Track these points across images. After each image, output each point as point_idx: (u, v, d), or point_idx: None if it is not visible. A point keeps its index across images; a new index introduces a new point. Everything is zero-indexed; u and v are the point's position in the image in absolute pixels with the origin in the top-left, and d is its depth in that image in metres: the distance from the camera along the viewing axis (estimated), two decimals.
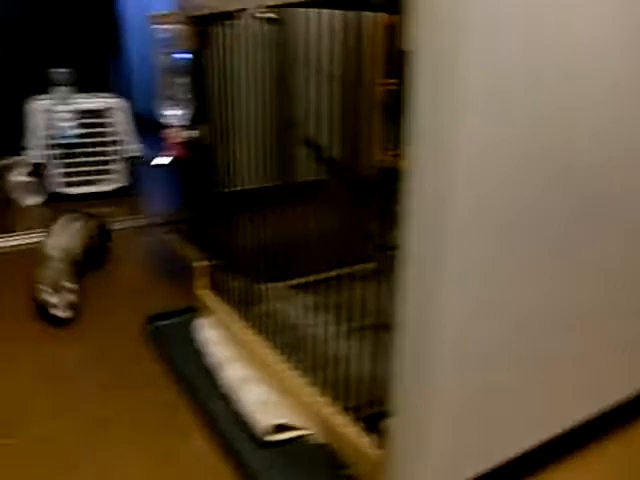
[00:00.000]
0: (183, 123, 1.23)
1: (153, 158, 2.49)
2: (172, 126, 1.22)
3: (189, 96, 1.23)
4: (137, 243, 1.87)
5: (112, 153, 2.25)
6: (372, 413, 0.79)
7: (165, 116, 1.22)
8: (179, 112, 1.21)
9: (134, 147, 2.28)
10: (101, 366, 1.12)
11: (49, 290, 1.21)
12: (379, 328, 0.78)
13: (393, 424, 0.69)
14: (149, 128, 2.33)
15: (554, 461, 0.85)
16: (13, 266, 1.67)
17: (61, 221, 1.45)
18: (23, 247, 1.80)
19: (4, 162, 2.30)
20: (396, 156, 1.01)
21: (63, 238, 1.39)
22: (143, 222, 2.01)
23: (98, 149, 2.23)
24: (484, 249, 0.63)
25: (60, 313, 1.22)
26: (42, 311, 1.24)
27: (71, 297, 1.24)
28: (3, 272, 1.62)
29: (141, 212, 2.15)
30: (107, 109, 2.20)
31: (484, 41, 0.54)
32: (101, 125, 2.21)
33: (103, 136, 2.22)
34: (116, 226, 1.99)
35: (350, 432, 0.80)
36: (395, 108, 0.81)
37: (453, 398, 0.67)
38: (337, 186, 1.15)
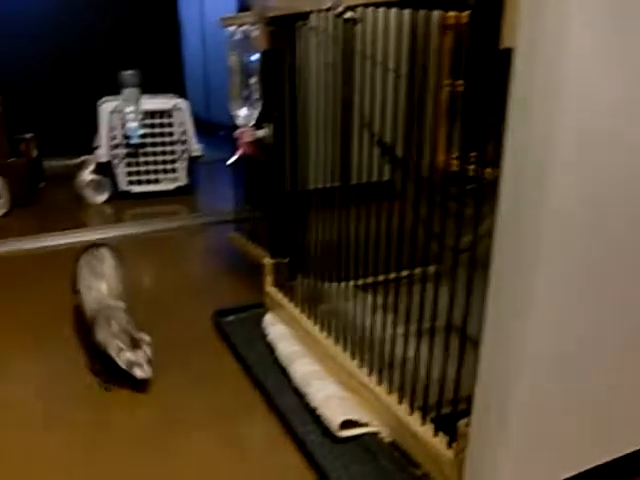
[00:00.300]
0: (253, 123, 1.26)
1: (213, 158, 2.56)
2: (243, 126, 1.25)
3: (259, 96, 1.26)
4: (200, 241, 1.92)
5: (175, 153, 2.32)
6: (443, 413, 0.79)
7: (237, 116, 1.25)
8: (250, 112, 1.24)
9: (196, 147, 2.34)
10: (171, 356, 1.16)
11: (126, 347, 1.00)
12: (450, 330, 0.78)
13: (471, 425, 0.69)
14: (204, 129, 2.40)
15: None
16: None
17: (89, 262, 1.18)
18: (85, 243, 1.88)
19: (75, 161, 2.41)
20: (460, 159, 1.00)
21: (113, 280, 1.16)
22: (206, 220, 2.07)
23: (162, 149, 2.30)
24: (581, 251, 0.62)
25: (145, 372, 1.01)
26: (117, 372, 1.02)
27: (149, 350, 1.03)
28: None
29: (203, 210, 2.21)
30: (172, 110, 2.26)
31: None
32: (166, 125, 2.28)
33: (167, 136, 2.30)
34: (179, 224, 2.05)
35: (421, 431, 0.80)
36: (462, 110, 0.81)
37: (535, 404, 0.66)
38: (406, 187, 1.15)
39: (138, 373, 1.00)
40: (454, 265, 0.78)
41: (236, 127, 1.28)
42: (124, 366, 1.00)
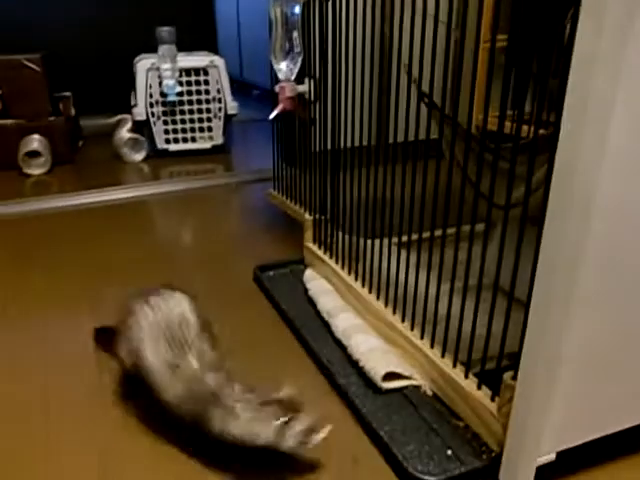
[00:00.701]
0: (294, 77, 1.24)
1: (247, 117, 2.55)
2: (284, 80, 1.24)
3: (301, 50, 1.24)
4: (237, 199, 1.94)
5: (212, 111, 2.32)
6: (487, 369, 0.79)
7: (278, 70, 1.23)
8: (291, 66, 1.23)
9: (232, 105, 2.34)
10: (215, 310, 1.18)
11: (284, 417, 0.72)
12: (494, 288, 0.77)
13: (518, 379, 0.69)
14: (238, 89, 2.39)
15: None
16: (120, 215, 1.78)
17: (163, 327, 0.80)
18: (125, 200, 1.91)
19: (113, 119, 2.43)
20: (506, 118, 0.97)
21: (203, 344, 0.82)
22: (242, 178, 2.08)
23: (198, 107, 2.31)
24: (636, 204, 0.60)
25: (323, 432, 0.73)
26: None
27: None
28: (111, 220, 1.73)
29: (239, 169, 2.22)
30: (208, 67, 2.25)
31: None
32: (202, 83, 2.28)
33: (203, 94, 2.29)
34: (216, 182, 2.07)
35: (464, 385, 0.81)
36: (506, 67, 0.78)
37: (580, 363, 0.66)
38: (447, 143, 1.13)
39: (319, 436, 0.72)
40: (504, 221, 0.77)
41: (275, 83, 1.27)
42: (292, 444, 0.71)
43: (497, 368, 0.75)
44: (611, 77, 0.55)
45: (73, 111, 2.44)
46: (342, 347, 0.98)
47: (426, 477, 0.71)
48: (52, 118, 2.21)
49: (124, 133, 2.32)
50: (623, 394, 0.73)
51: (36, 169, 2.15)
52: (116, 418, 0.87)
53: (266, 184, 1.79)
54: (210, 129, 2.35)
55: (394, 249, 1.03)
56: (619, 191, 0.60)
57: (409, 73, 0.95)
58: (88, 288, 1.28)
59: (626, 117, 0.57)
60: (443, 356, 0.86)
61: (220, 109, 2.32)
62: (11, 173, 2.12)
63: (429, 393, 0.88)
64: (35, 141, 2.13)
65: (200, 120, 2.33)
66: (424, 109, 0.97)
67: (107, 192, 1.94)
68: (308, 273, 1.22)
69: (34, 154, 2.13)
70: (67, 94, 2.37)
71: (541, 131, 0.87)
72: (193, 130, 2.33)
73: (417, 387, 0.89)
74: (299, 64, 1.26)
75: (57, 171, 2.19)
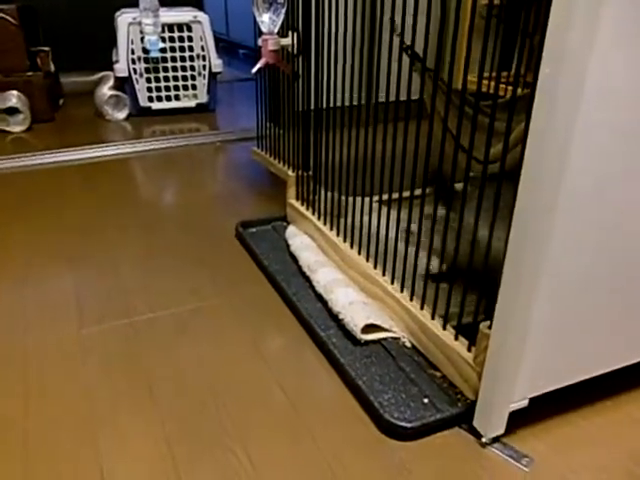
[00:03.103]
0: (277, 30, 1.21)
1: (232, 77, 2.50)
2: (267, 33, 1.21)
3: (284, 1, 1.21)
4: (221, 158, 1.91)
5: (196, 68, 2.27)
6: (463, 322, 0.80)
7: (261, 22, 1.20)
8: (274, 18, 1.20)
9: (216, 63, 2.29)
10: (198, 266, 1.18)
11: None
12: (472, 244, 0.78)
13: (492, 331, 0.70)
14: (224, 49, 2.34)
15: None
16: (102, 173, 1.75)
17: None
18: (108, 158, 1.88)
19: (94, 77, 2.37)
20: (485, 79, 0.95)
21: None
22: (226, 137, 2.05)
23: (182, 64, 2.25)
24: (599, 163, 0.61)
25: None
26: None
27: None
28: (92, 179, 1.70)
29: (223, 128, 2.19)
30: (192, 23, 2.20)
31: None
32: (185, 39, 2.22)
33: (187, 50, 2.24)
34: (200, 141, 2.04)
35: (441, 335, 0.82)
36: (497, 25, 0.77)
37: (550, 314, 0.67)
38: (429, 97, 1.12)
39: None
40: (483, 174, 0.76)
41: (258, 37, 1.24)
42: None
43: (474, 321, 0.76)
44: (588, 27, 0.54)
45: (52, 67, 2.37)
46: (323, 301, 0.99)
47: (402, 423, 0.73)
48: (30, 73, 2.15)
49: (106, 90, 2.27)
50: (593, 343, 0.75)
51: (15, 126, 2.10)
52: (93, 365, 0.87)
53: (250, 143, 1.77)
54: (194, 87, 2.30)
55: (375, 206, 1.03)
56: (593, 146, 0.60)
57: (392, 25, 0.93)
58: (67, 245, 1.27)
59: (600, 71, 0.56)
60: (422, 308, 0.87)
61: (204, 67, 2.28)
62: None
63: (408, 345, 0.89)
64: (13, 97, 2.08)
65: (184, 78, 2.28)
66: (406, 70, 0.96)
67: (88, 150, 1.91)
68: (290, 229, 1.22)
69: (12, 111, 2.08)
70: (45, 49, 2.30)
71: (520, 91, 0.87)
72: (177, 88, 2.29)
73: (396, 339, 0.90)
74: (282, 16, 1.22)
75: (37, 129, 2.14)
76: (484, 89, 0.88)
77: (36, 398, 0.82)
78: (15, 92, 2.09)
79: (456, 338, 0.80)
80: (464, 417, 0.75)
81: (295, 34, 1.23)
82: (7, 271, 1.17)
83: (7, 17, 2.00)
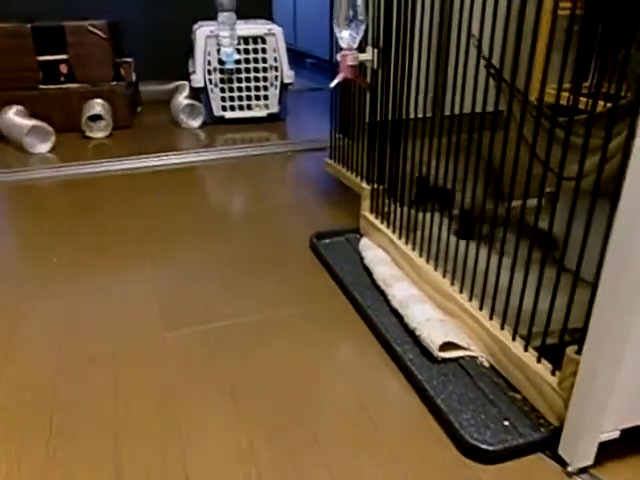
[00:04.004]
0: (356, 45, 1.23)
1: (300, 86, 2.54)
2: (346, 48, 1.23)
3: (364, 18, 1.22)
4: (292, 167, 1.95)
5: (268, 79, 2.33)
6: (547, 343, 0.78)
7: (341, 38, 1.22)
8: (354, 34, 1.22)
9: (288, 74, 2.33)
10: (271, 274, 1.21)
11: None
12: (558, 263, 0.76)
13: (582, 355, 0.68)
14: (292, 58, 2.39)
15: None
16: (177, 180, 1.82)
17: None
18: (183, 165, 1.95)
19: (171, 86, 2.47)
20: (563, 91, 0.93)
21: None
22: (297, 147, 2.08)
23: (255, 75, 2.31)
24: None
25: None
26: None
27: None
28: (168, 185, 1.77)
29: (294, 137, 2.22)
30: (266, 36, 2.25)
31: None
32: (259, 51, 2.28)
33: (260, 62, 2.30)
34: (271, 150, 2.08)
35: (523, 357, 0.81)
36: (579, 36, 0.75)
37: None
38: (511, 116, 1.10)
39: None
40: (575, 194, 0.75)
41: (336, 52, 1.26)
42: None
43: (559, 343, 0.74)
44: None
45: (134, 77, 2.49)
46: (398, 316, 0.99)
47: (484, 446, 0.72)
48: (114, 83, 2.26)
49: (182, 99, 2.35)
50: None
51: (98, 132, 2.21)
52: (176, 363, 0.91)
53: (320, 153, 1.79)
54: (266, 97, 2.36)
55: (448, 222, 1.02)
56: None
57: (479, 47, 0.93)
58: (148, 247, 1.33)
59: None
60: (502, 328, 0.86)
61: (276, 77, 2.33)
62: (74, 135, 2.19)
63: (486, 364, 0.88)
64: (98, 105, 2.19)
65: (257, 88, 2.34)
66: (482, 81, 0.95)
67: (164, 157, 1.99)
68: (364, 242, 1.23)
69: (96, 118, 2.19)
70: (128, 60, 2.42)
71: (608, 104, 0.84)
72: (249, 98, 2.35)
73: (474, 358, 0.89)
74: (362, 33, 1.24)
75: (117, 135, 2.25)
76: (563, 102, 0.86)
77: (123, 399, 0.86)
78: (100, 100, 2.20)
79: (539, 360, 0.79)
80: (548, 443, 0.73)
81: (375, 49, 1.24)
82: (99, 269, 1.23)
83: (98, 32, 2.11)
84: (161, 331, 1.01)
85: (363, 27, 1.24)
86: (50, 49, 2.17)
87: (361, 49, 1.29)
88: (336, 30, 1.26)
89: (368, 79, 1.29)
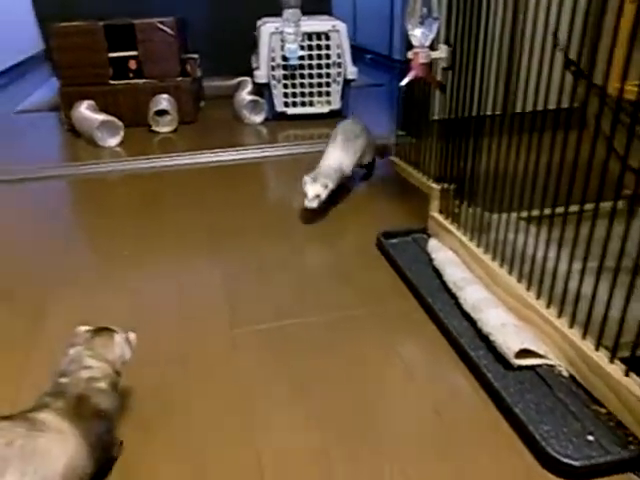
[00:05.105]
0: (429, 43, 1.20)
1: (360, 82, 2.51)
2: (418, 46, 1.21)
3: (438, 15, 1.19)
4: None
5: (331, 75, 2.32)
6: (637, 355, 0.75)
7: (413, 36, 1.20)
8: (426, 32, 1.19)
9: (351, 70, 2.32)
10: (337, 273, 1.20)
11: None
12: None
13: None
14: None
15: None
16: (236, 177, 1.83)
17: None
18: (244, 161, 1.97)
19: (234, 81, 2.50)
20: None
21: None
22: None
23: (318, 71, 2.31)
24: None
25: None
26: None
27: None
28: (231, 180, 1.79)
29: None
30: (330, 32, 2.24)
31: None
32: (323, 47, 2.27)
33: (324, 58, 2.29)
34: None
35: (608, 369, 0.77)
36: None
37: None
38: (592, 114, 1.06)
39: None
40: None
41: (408, 49, 1.23)
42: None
43: None
44: None
45: (199, 72, 2.53)
46: (471, 320, 0.96)
47: (568, 460, 0.69)
48: (180, 79, 2.30)
49: (244, 95, 2.37)
50: None
51: (164, 127, 2.26)
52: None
53: (383, 151, 1.77)
54: (328, 94, 2.35)
55: (525, 224, 0.99)
56: None
57: (555, 39, 0.89)
58: (214, 242, 1.35)
59: None
60: (584, 337, 0.83)
61: (339, 74, 2.31)
62: (141, 129, 2.25)
63: (565, 374, 0.85)
64: (164, 100, 2.24)
65: (319, 84, 2.33)
66: (556, 77, 0.91)
67: (227, 152, 2.01)
68: (433, 243, 1.20)
69: (163, 113, 2.24)
70: (194, 56, 2.46)
71: None
72: (312, 94, 2.35)
73: (551, 367, 0.86)
74: (435, 31, 1.21)
75: (182, 130, 2.29)
76: None
77: (198, 395, 0.87)
78: (166, 96, 2.25)
79: (626, 374, 0.75)
80: (638, 462, 0.70)
81: (448, 48, 1.21)
82: (162, 262, 1.26)
83: (166, 29, 2.16)
84: (229, 328, 1.02)
85: (437, 25, 1.22)
86: (120, 46, 2.23)
87: (432, 47, 1.26)
88: (408, 28, 1.23)
89: (439, 77, 1.27)
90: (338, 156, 1.49)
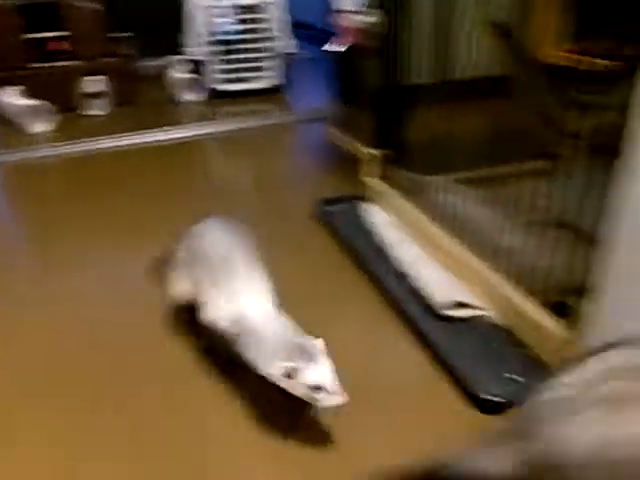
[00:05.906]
0: (358, 8, 1.20)
1: (302, 57, 2.50)
2: (346, 11, 1.20)
3: None
4: (294, 137, 1.93)
5: (268, 49, 2.28)
6: (557, 300, 0.78)
7: (343, 1, 1.20)
8: None
9: (289, 43, 2.29)
10: (277, 242, 1.20)
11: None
12: (564, 225, 0.76)
13: (592, 309, 0.68)
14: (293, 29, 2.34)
15: None
16: (174, 156, 1.80)
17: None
18: (181, 140, 1.93)
19: (168, 60, 2.43)
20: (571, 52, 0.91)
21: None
22: (299, 117, 2.06)
23: (254, 45, 2.27)
24: None
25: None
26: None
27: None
28: (169, 159, 1.76)
29: (296, 108, 2.20)
30: (265, 4, 2.21)
31: None
32: (259, 21, 2.23)
33: (260, 32, 2.25)
34: (272, 121, 2.06)
35: (533, 314, 0.81)
36: None
37: None
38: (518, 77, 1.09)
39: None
40: (574, 153, 0.74)
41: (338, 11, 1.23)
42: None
43: (569, 298, 0.74)
44: None
45: (133, 52, 2.45)
46: (406, 277, 0.99)
47: (499, 399, 0.72)
48: (112, 59, 2.22)
49: (179, 73, 2.32)
50: None
51: (96, 110, 2.19)
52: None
53: (322, 123, 1.77)
54: (266, 68, 2.32)
55: (458, 186, 1.02)
56: None
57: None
58: (146, 219, 1.33)
59: None
60: (514, 287, 0.86)
61: (277, 48, 2.28)
62: (73, 114, 2.17)
63: (496, 322, 0.88)
64: (97, 82, 2.16)
65: (256, 60, 2.30)
66: (485, 45, 0.94)
67: (165, 131, 1.97)
68: (369, 207, 1.22)
69: (95, 95, 2.16)
70: (127, 35, 2.37)
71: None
72: (249, 70, 2.31)
73: (483, 316, 0.89)
74: None
75: (117, 112, 2.22)
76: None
77: None
78: (98, 77, 2.17)
79: (548, 315, 0.78)
80: None
81: (381, 12, 1.21)
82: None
83: (94, 6, 2.08)
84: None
85: None
86: (43, 26, 2.13)
87: (365, 12, 1.26)
88: None
89: (373, 43, 1.27)
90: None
